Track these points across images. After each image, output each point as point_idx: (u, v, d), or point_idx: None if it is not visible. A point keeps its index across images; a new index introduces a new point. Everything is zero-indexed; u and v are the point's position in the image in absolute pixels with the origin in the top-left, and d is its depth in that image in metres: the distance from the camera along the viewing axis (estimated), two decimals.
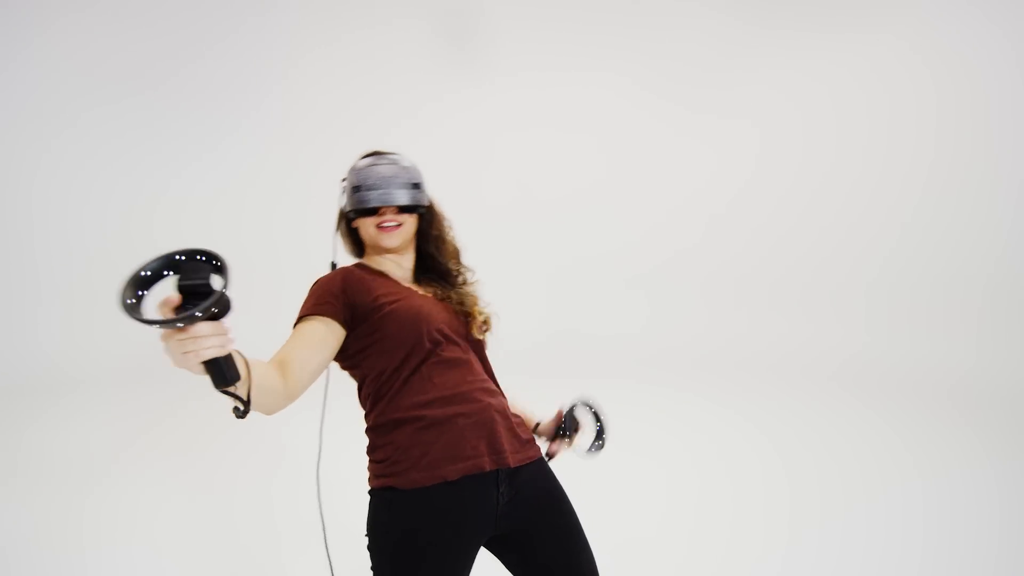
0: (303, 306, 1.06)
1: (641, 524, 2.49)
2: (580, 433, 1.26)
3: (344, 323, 1.04)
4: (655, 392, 4.54)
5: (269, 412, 0.90)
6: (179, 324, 0.65)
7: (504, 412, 1.09)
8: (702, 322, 6.10)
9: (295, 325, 1.04)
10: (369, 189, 1.12)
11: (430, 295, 1.17)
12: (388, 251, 1.17)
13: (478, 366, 1.13)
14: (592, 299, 6.06)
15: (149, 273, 0.67)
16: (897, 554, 2.30)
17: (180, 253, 0.68)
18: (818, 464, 3.20)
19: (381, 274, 1.16)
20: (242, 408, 0.79)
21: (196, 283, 0.67)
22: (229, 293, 0.69)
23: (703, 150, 6.26)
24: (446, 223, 1.26)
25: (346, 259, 1.24)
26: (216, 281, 0.69)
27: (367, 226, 1.15)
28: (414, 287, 1.18)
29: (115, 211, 5.71)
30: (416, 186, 1.16)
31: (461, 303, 1.17)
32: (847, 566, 2.22)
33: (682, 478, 2.99)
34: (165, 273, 0.68)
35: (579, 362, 5.24)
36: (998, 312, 5.27)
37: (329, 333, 1.02)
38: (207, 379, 0.73)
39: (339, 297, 1.05)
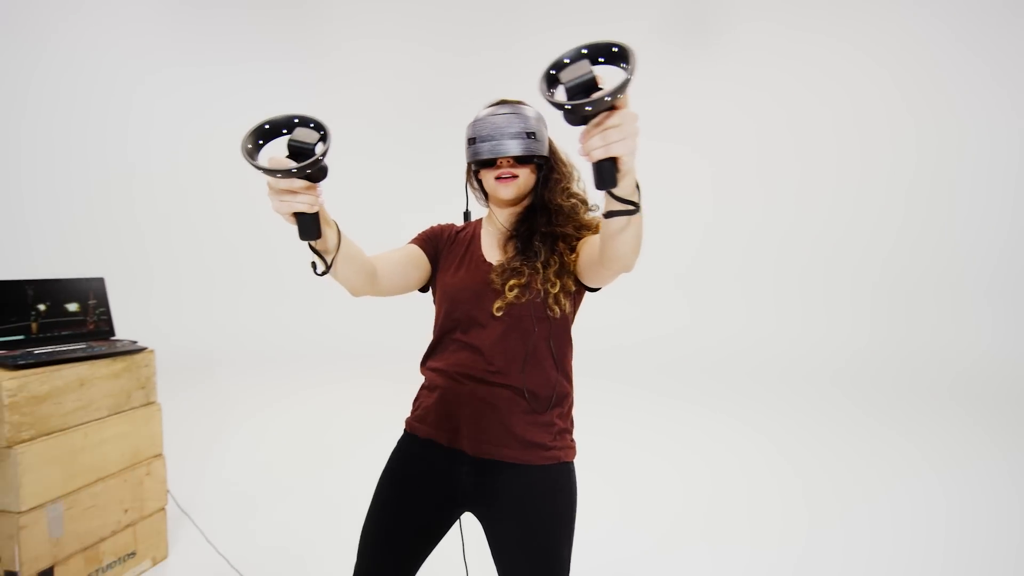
0: None
1: (653, 528, 2.49)
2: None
3: (430, 258, 1.18)
4: (657, 398, 4.59)
5: (353, 290, 1.02)
6: (278, 175, 0.75)
7: (492, 401, 1.05)
8: (703, 324, 6.14)
9: None
10: (483, 140, 1.08)
11: (494, 268, 1.10)
12: (506, 203, 1.15)
13: (492, 348, 1.06)
14: (595, 305, 6.10)
15: (268, 126, 0.78)
16: (909, 551, 2.30)
17: (297, 117, 0.79)
18: (829, 464, 3.21)
19: (471, 239, 1.19)
20: (320, 268, 0.92)
21: (303, 144, 0.76)
22: (326, 161, 0.80)
23: (694, 158, 6.38)
24: (567, 179, 1.17)
25: (478, 210, 1.27)
26: (319, 148, 0.77)
27: (487, 177, 1.13)
28: (492, 253, 1.15)
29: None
30: (531, 135, 1.08)
31: (505, 281, 1.07)
32: (862, 561, 2.23)
33: (695, 478, 3.00)
34: (283, 132, 0.79)
35: (582, 365, 5.27)
36: None
37: (419, 257, 1.16)
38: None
39: (431, 239, 1.20)
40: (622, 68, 0.70)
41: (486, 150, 1.08)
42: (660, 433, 3.73)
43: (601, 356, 5.62)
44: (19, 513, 1.62)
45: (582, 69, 0.69)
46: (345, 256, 0.94)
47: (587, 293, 1.13)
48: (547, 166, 1.14)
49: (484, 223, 1.22)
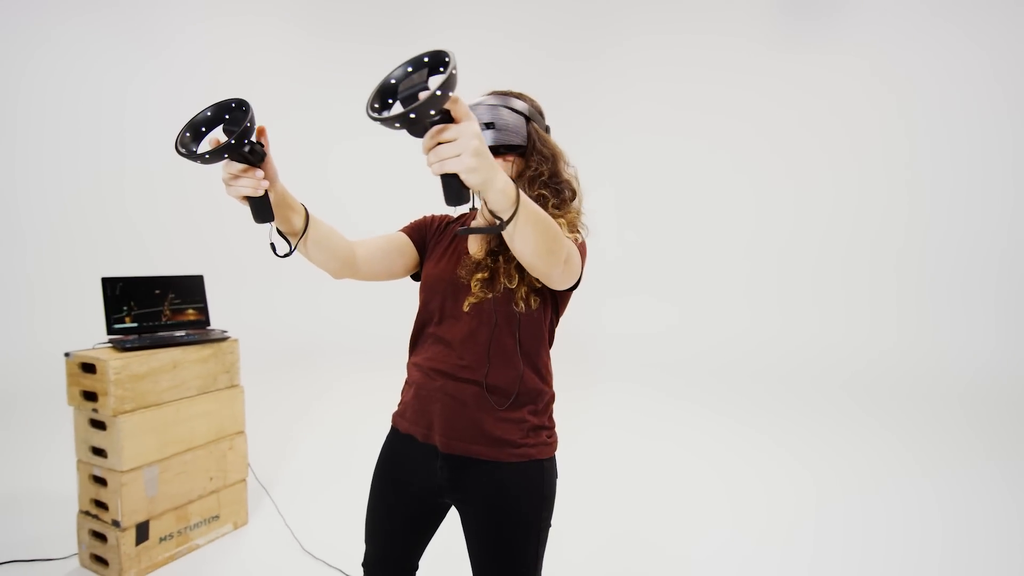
0: None
1: (653, 529, 2.45)
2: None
3: (417, 247, 1.19)
4: (659, 398, 4.55)
5: (332, 273, 1.09)
6: (206, 157, 0.80)
7: (461, 397, 1.05)
8: (705, 325, 6.13)
9: None
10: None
11: (463, 263, 1.10)
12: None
13: (463, 343, 1.06)
14: (602, 305, 6.29)
15: (207, 113, 0.83)
16: (917, 554, 2.27)
17: (224, 101, 0.83)
18: (833, 467, 3.18)
19: (454, 234, 1.19)
20: (281, 251, 0.98)
21: (232, 129, 0.83)
22: (259, 145, 0.86)
23: (707, 158, 6.34)
24: (556, 165, 1.12)
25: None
26: (242, 127, 0.80)
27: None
28: (475, 245, 1.14)
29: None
30: (489, 126, 1.06)
31: (471, 275, 1.06)
32: (864, 563, 2.20)
33: (696, 480, 2.98)
34: (224, 116, 0.84)
35: (584, 366, 5.37)
36: None
37: (405, 244, 1.18)
38: None
39: (420, 228, 1.21)
40: (441, 72, 0.69)
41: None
42: (665, 435, 3.67)
43: (603, 357, 5.71)
44: (122, 472, 1.92)
45: (418, 78, 0.69)
46: (314, 241, 1.01)
47: (574, 292, 1.10)
48: (526, 155, 1.12)
49: (477, 214, 1.20)
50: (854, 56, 5.75)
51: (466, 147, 0.67)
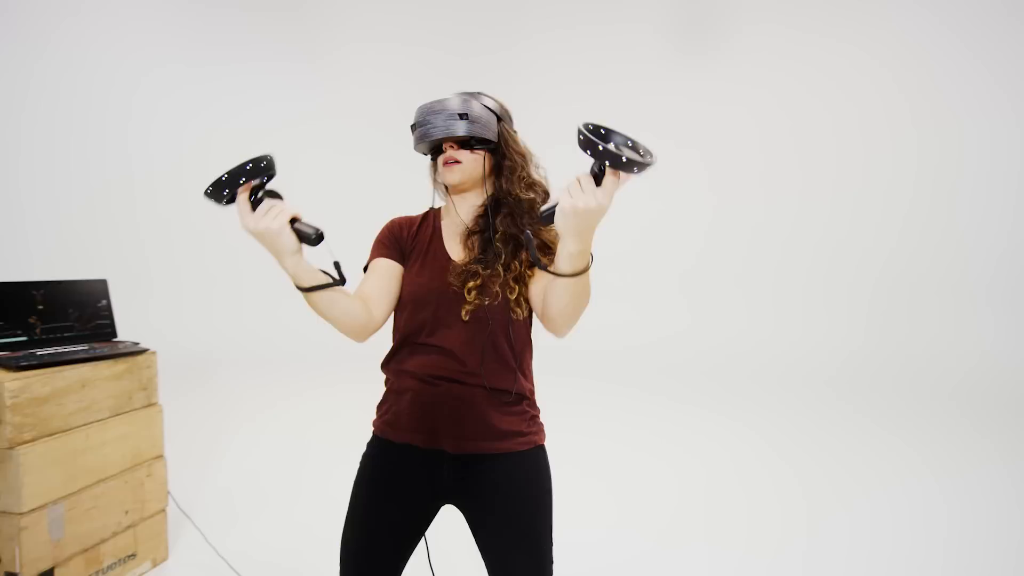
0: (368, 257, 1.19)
1: (651, 529, 2.49)
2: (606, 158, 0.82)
3: (400, 262, 1.15)
4: (656, 400, 4.59)
5: (352, 334, 1.07)
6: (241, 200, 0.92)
7: (468, 399, 1.06)
8: (704, 326, 6.14)
9: (364, 269, 1.17)
10: (418, 127, 1.09)
11: (451, 269, 1.09)
12: (455, 189, 1.15)
13: (463, 349, 1.06)
14: (596, 307, 6.09)
15: (223, 178, 0.89)
16: (907, 553, 2.31)
17: (248, 162, 0.90)
18: (828, 467, 3.22)
19: (433, 233, 1.17)
20: (328, 280, 1.00)
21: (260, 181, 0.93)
22: (275, 192, 0.95)
23: (696, 160, 6.39)
24: (522, 168, 1.13)
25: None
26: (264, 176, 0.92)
27: (439, 165, 1.14)
28: (454, 249, 1.14)
29: None
30: (463, 116, 1.06)
31: (463, 283, 1.06)
32: (861, 563, 2.23)
33: (693, 481, 3.01)
34: (241, 180, 0.90)
35: (581, 368, 5.28)
36: None
37: (394, 268, 1.14)
38: None
39: (395, 242, 1.17)
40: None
41: (418, 136, 1.10)
42: (658, 435, 3.73)
43: (601, 358, 5.62)
44: (20, 514, 1.62)
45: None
46: (329, 299, 1.00)
47: None
48: (499, 153, 1.13)
49: (443, 214, 1.20)
50: (855, 48, 5.84)
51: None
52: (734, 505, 2.73)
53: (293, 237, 0.92)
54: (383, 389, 1.17)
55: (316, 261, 0.99)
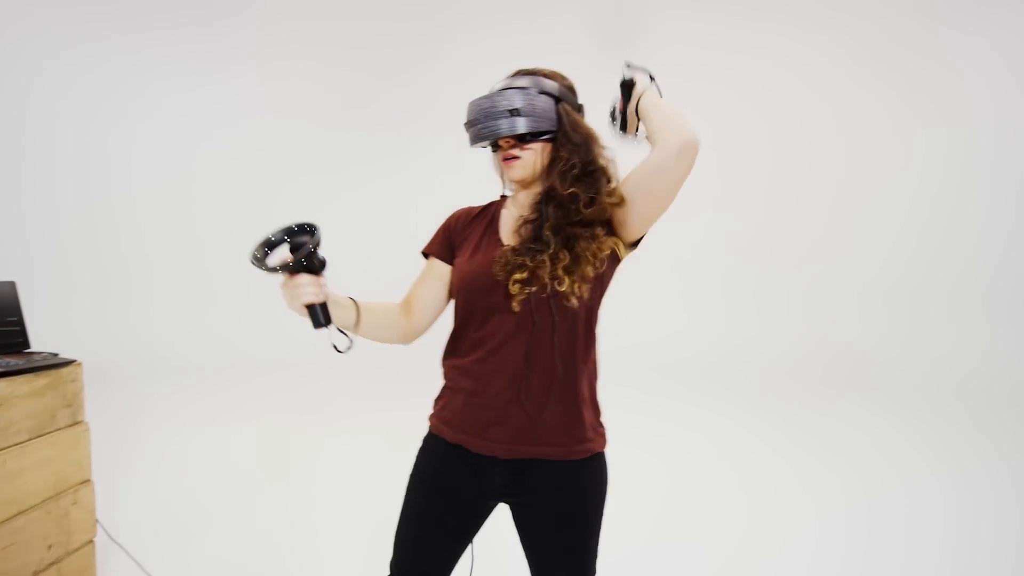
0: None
1: (647, 529, 2.48)
2: None
3: (449, 261, 1.15)
4: (653, 399, 4.53)
5: (397, 342, 1.13)
6: (282, 269, 0.93)
7: (521, 400, 1.02)
8: (701, 325, 6.07)
9: (423, 253, 1.19)
10: (471, 125, 1.06)
11: (497, 257, 1.05)
12: (521, 183, 1.11)
13: (513, 346, 1.02)
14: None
15: (277, 234, 0.95)
16: (903, 553, 2.32)
17: (294, 225, 0.95)
18: (825, 465, 3.24)
19: (491, 219, 1.15)
20: (343, 346, 1.02)
21: (298, 243, 0.95)
22: (322, 255, 0.96)
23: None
24: (587, 153, 1.06)
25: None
26: (309, 243, 0.94)
27: (498, 159, 1.11)
28: (508, 236, 1.10)
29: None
30: (514, 112, 1.02)
31: (509, 273, 1.01)
32: (858, 561, 2.25)
33: (689, 480, 3.00)
34: (285, 239, 0.95)
35: None
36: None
37: (443, 270, 1.15)
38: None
39: (446, 238, 1.16)
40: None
41: (472, 136, 1.07)
42: (653, 432, 3.70)
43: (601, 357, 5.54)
44: None
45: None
46: (368, 327, 1.07)
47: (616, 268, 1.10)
48: (557, 140, 1.07)
49: (508, 202, 1.18)
50: (854, 46, 5.72)
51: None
52: (733, 504, 2.72)
53: (305, 312, 0.99)
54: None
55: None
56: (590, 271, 1.00)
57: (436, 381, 1.16)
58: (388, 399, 4.25)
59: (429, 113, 6.38)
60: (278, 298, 0.99)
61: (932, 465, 3.27)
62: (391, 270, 3.71)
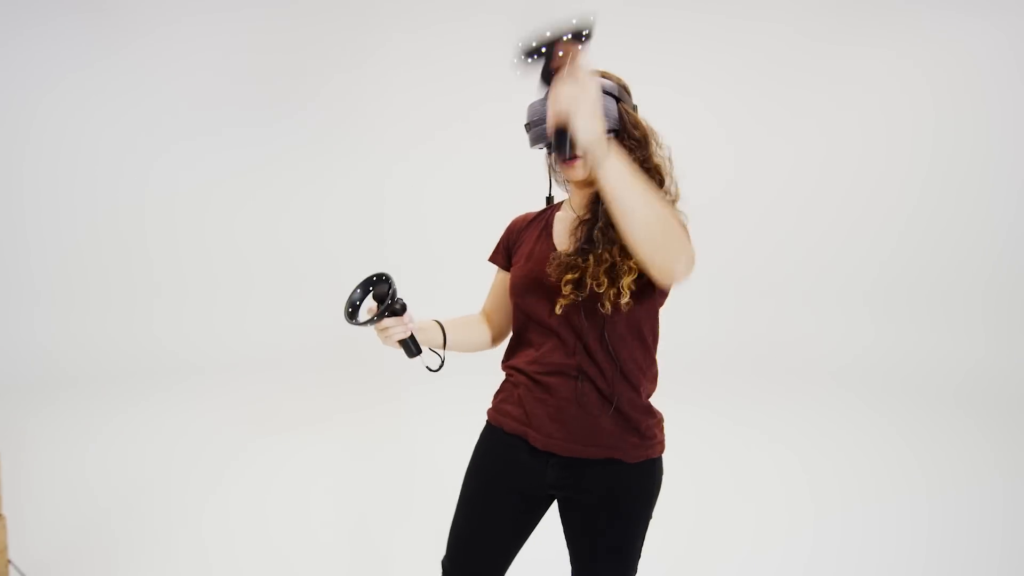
0: None
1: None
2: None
3: (507, 268, 1.21)
4: (657, 400, 4.42)
5: (487, 348, 1.26)
6: (374, 321, 1.06)
7: (574, 400, 1.04)
8: (697, 325, 5.80)
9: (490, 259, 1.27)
10: (532, 126, 1.06)
11: (550, 260, 1.05)
12: (580, 184, 1.10)
13: (564, 346, 1.05)
14: None
15: (358, 291, 1.09)
16: (904, 556, 2.32)
17: (373, 276, 1.09)
18: (825, 465, 3.22)
19: (546, 224, 1.16)
20: (435, 365, 1.16)
21: (380, 293, 1.06)
22: (401, 299, 1.07)
23: (693, 152, 5.98)
24: (645, 149, 1.04)
25: (560, 193, 1.23)
26: (389, 293, 1.06)
27: (556, 161, 1.12)
28: (562, 240, 1.10)
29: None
30: None
31: (560, 276, 1.01)
32: (854, 562, 2.26)
33: (687, 480, 2.96)
34: (369, 289, 1.09)
35: None
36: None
37: (503, 278, 1.23)
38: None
39: (506, 248, 1.23)
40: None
41: (531, 137, 1.08)
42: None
43: None
44: None
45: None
46: (455, 344, 1.18)
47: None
48: (618, 138, 1.05)
49: (564, 206, 1.18)
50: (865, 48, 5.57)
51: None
52: (733, 504, 2.72)
53: (400, 347, 1.11)
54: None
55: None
56: (627, 281, 0.98)
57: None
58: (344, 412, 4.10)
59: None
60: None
61: (933, 464, 3.27)
62: (395, 262, 3.59)
